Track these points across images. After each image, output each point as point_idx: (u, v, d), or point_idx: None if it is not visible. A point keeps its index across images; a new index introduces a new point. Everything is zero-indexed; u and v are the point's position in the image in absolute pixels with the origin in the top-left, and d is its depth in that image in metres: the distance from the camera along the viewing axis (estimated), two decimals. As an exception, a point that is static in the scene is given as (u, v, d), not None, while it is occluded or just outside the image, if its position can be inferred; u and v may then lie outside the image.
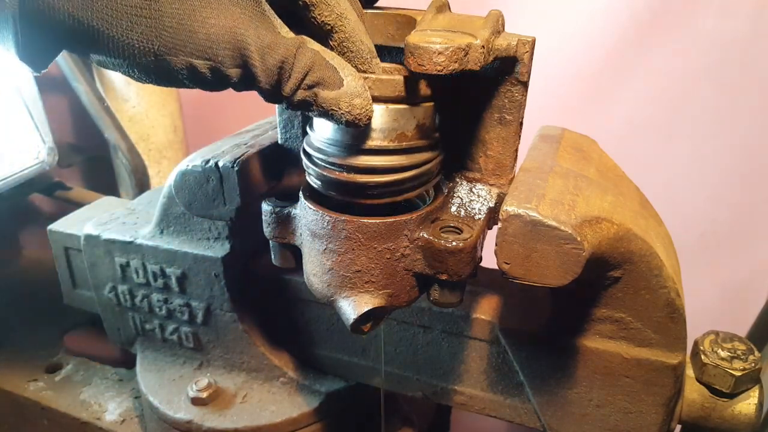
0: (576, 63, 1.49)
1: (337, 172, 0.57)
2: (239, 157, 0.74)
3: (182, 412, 0.88)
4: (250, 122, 0.92)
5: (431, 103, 0.58)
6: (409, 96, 0.55)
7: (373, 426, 0.96)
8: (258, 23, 0.46)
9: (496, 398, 0.81)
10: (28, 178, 1.33)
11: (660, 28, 1.41)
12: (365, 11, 0.64)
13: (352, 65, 0.53)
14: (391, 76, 0.54)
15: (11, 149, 1.28)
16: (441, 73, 0.54)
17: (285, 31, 0.48)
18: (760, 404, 0.71)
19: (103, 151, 1.63)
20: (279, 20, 0.49)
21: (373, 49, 0.55)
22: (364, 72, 0.55)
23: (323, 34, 0.53)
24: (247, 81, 0.48)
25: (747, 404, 0.71)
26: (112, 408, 1.05)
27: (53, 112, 1.39)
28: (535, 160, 0.69)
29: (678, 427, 0.77)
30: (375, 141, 0.55)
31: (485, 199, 0.68)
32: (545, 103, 1.22)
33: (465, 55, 0.54)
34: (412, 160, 0.57)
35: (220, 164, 0.73)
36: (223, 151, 0.76)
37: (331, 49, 0.53)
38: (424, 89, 0.56)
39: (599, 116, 1.52)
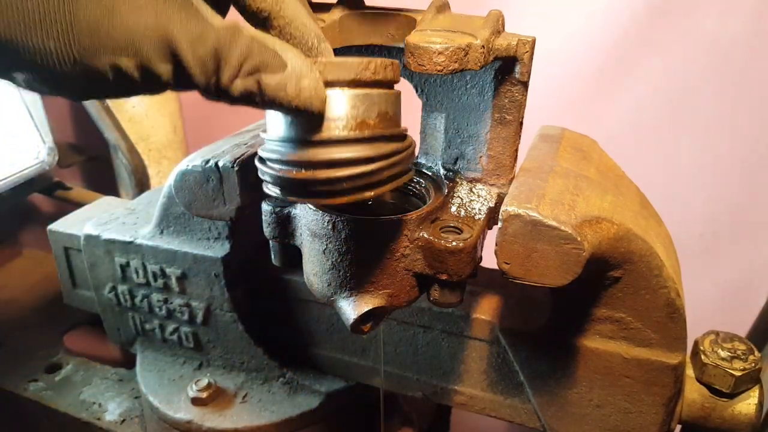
0: (576, 63, 1.49)
1: (294, 171, 0.51)
2: (239, 157, 0.74)
3: (182, 412, 0.88)
4: (250, 122, 0.92)
5: (394, 91, 0.53)
6: (367, 80, 0.50)
7: (373, 426, 0.96)
8: (185, 14, 0.43)
9: (496, 398, 0.81)
10: (28, 178, 1.34)
11: (660, 28, 1.41)
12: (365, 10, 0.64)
13: None
14: (345, 58, 0.49)
15: (11, 149, 1.28)
16: (441, 73, 0.54)
17: (217, 20, 0.45)
18: (760, 404, 0.71)
19: (103, 151, 1.63)
20: (209, 9, 0.45)
21: (321, 34, 0.51)
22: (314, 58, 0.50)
23: (260, 23, 0.50)
24: (180, 76, 0.44)
25: (747, 404, 0.71)
26: (112, 408, 1.05)
27: (53, 112, 1.39)
28: (535, 160, 0.69)
29: (678, 427, 0.77)
30: (334, 131, 0.50)
31: (485, 199, 0.68)
32: (545, 103, 1.22)
33: (465, 55, 0.54)
34: (378, 150, 0.51)
35: (220, 164, 0.73)
36: (223, 151, 0.76)
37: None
38: (383, 73, 0.51)
39: (599, 116, 1.52)
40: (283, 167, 0.52)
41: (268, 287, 0.91)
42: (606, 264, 0.64)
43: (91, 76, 0.43)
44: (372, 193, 0.52)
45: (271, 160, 0.53)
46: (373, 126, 0.51)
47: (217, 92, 0.45)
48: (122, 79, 0.43)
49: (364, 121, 0.50)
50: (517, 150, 0.69)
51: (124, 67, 0.42)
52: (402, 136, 0.54)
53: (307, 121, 0.49)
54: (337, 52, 0.63)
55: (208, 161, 0.74)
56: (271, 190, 0.55)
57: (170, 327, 0.96)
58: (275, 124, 0.52)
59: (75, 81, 0.43)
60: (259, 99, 0.46)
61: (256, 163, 0.55)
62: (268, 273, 0.89)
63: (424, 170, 0.73)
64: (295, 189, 0.52)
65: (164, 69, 0.43)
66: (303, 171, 0.50)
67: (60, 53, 0.41)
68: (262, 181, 0.55)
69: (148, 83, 0.44)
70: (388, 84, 0.52)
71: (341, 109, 0.49)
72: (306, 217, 0.63)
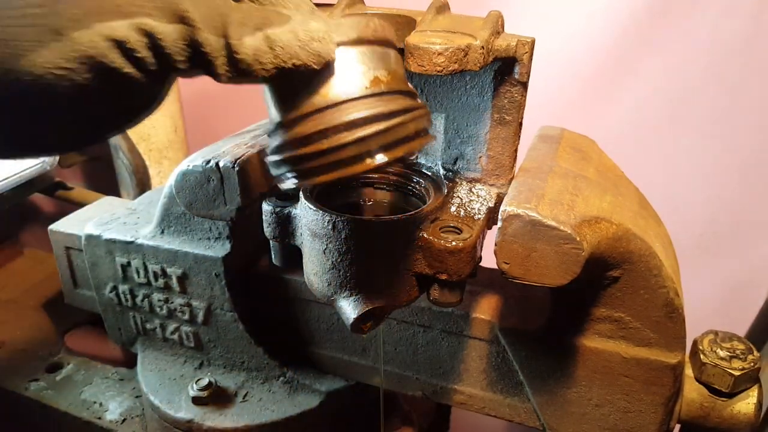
0: (576, 63, 1.49)
1: (316, 144, 0.48)
2: (240, 157, 0.74)
3: (183, 411, 0.89)
4: (251, 122, 0.92)
5: (396, 52, 0.52)
6: (371, 37, 0.49)
7: (373, 425, 0.97)
8: None
9: (495, 397, 0.81)
10: (30, 178, 1.34)
11: (660, 28, 1.41)
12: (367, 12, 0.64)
13: None
14: (343, 19, 0.49)
15: (12, 149, 1.29)
16: (441, 74, 0.54)
17: None
18: (759, 404, 0.72)
19: (103, 151, 1.63)
20: None
21: (313, 6, 0.49)
22: None
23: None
24: (188, 41, 0.38)
25: (746, 404, 0.71)
26: (113, 407, 1.05)
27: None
28: (535, 161, 0.70)
29: (677, 427, 0.78)
30: (349, 89, 0.47)
31: (485, 199, 0.68)
32: (545, 103, 1.22)
33: (465, 56, 0.54)
34: (397, 104, 0.49)
35: (221, 164, 0.73)
36: (223, 151, 0.76)
37: None
38: (383, 32, 0.50)
39: (599, 116, 1.52)
40: (304, 145, 0.48)
41: (268, 287, 0.91)
42: (605, 264, 0.64)
43: (76, 57, 0.34)
44: (402, 151, 0.49)
45: (286, 147, 0.49)
46: (386, 82, 0.49)
47: (231, 60, 0.40)
48: (120, 55, 0.35)
49: (376, 78, 0.48)
50: (516, 150, 0.69)
51: (124, 37, 0.35)
52: (415, 94, 0.52)
53: (319, 82, 0.47)
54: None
55: (208, 161, 0.74)
56: (290, 182, 0.51)
57: (171, 326, 0.97)
58: (283, 105, 0.49)
59: (66, 86, 0.34)
60: (270, 58, 0.42)
61: (269, 161, 0.52)
62: (268, 273, 0.89)
63: (424, 170, 0.74)
64: (321, 165, 0.48)
65: (170, 31, 0.37)
66: (325, 140, 0.47)
67: (36, 29, 0.33)
68: (278, 180, 0.52)
69: (149, 58, 0.37)
70: (390, 44, 0.51)
71: (351, 66, 0.48)
72: (306, 217, 0.63)
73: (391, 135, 0.48)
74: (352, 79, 0.48)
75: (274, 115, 0.51)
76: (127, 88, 0.38)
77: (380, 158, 0.48)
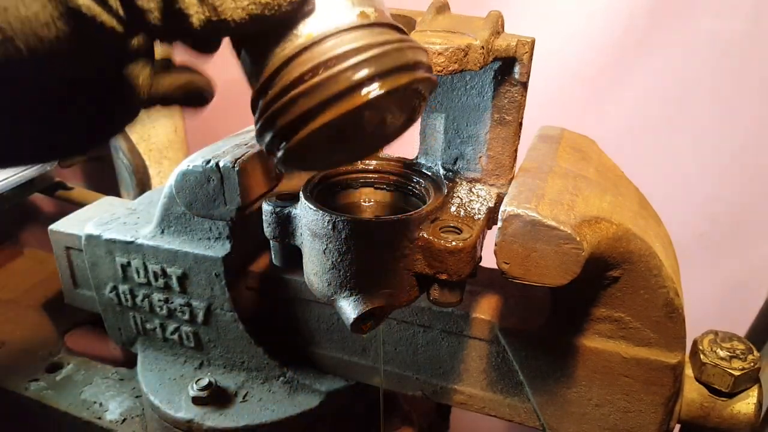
0: (576, 63, 1.49)
1: (307, 84, 0.43)
2: (240, 157, 0.74)
3: (183, 411, 0.89)
4: (251, 122, 0.92)
5: None
6: None
7: (373, 425, 0.97)
8: None
9: (495, 397, 0.81)
10: (30, 178, 1.34)
11: (660, 28, 1.41)
12: None
13: None
14: None
15: (12, 149, 1.29)
16: (441, 74, 0.54)
17: None
18: (759, 403, 0.72)
19: (103, 151, 1.63)
20: None
21: None
22: None
23: None
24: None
25: (746, 404, 0.71)
26: (113, 407, 1.05)
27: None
28: (535, 161, 0.70)
29: (677, 427, 0.78)
30: (335, 20, 0.44)
31: (485, 199, 0.68)
32: (545, 103, 1.22)
33: (464, 56, 0.54)
34: (389, 35, 0.44)
35: (221, 164, 0.73)
36: (223, 151, 0.76)
37: None
38: None
39: (599, 116, 1.52)
40: (288, 91, 0.44)
41: (268, 287, 0.91)
42: (605, 264, 0.64)
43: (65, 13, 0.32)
44: (404, 79, 0.43)
45: (270, 103, 0.45)
46: (374, 18, 0.45)
47: (206, 4, 0.37)
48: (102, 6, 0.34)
49: (363, 12, 0.45)
50: (516, 150, 0.69)
51: None
52: (407, 33, 0.47)
53: (301, 22, 0.44)
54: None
55: (208, 161, 0.74)
56: (280, 151, 0.46)
57: (171, 326, 0.97)
58: (262, 60, 0.45)
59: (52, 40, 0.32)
60: (246, 15, 0.39)
61: (255, 131, 0.48)
62: (269, 273, 0.89)
63: (424, 170, 0.74)
64: (307, 110, 0.43)
65: None
66: (317, 76, 0.42)
67: None
68: (270, 153, 0.48)
69: (127, 12, 0.35)
70: None
71: (334, 2, 0.44)
72: (306, 217, 0.63)
73: (385, 60, 0.43)
74: (336, 14, 0.44)
75: (253, 75, 0.47)
76: (97, 49, 0.36)
77: (375, 88, 0.42)
